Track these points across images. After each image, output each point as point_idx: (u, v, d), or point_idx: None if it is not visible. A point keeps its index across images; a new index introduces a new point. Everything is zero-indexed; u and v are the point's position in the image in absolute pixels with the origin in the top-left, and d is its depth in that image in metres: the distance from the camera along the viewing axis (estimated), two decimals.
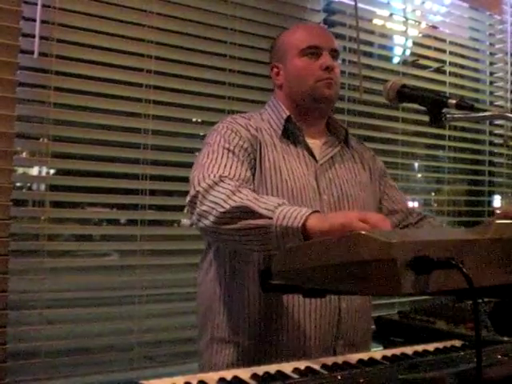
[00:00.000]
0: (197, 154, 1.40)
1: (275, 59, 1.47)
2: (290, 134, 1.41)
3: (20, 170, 1.79)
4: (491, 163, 3.00)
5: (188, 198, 1.24)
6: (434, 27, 2.84)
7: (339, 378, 0.86)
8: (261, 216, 1.09)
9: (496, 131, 3.05)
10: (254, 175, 1.32)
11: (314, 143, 1.43)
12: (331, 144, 1.47)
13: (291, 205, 1.12)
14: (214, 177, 1.21)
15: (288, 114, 1.41)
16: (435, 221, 1.56)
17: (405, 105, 2.39)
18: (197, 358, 1.48)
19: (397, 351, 1.10)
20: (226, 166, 1.26)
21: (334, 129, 1.50)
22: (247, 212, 1.11)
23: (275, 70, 1.47)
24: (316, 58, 1.39)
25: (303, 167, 1.38)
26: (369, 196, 1.47)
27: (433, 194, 3.08)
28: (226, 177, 1.21)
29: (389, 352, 1.09)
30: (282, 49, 1.45)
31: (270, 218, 1.08)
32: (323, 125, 1.49)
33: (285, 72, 1.44)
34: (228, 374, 0.87)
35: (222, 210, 1.14)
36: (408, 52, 2.77)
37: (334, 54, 1.42)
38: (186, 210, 2.13)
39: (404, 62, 2.71)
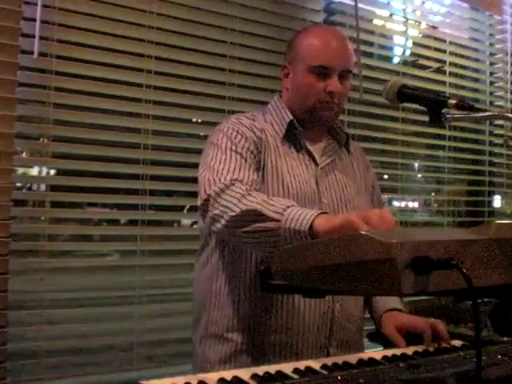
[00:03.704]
0: (196, 154, 1.40)
1: (288, 59, 1.45)
2: (292, 137, 1.41)
3: (20, 170, 1.79)
4: (491, 163, 2.99)
5: (199, 202, 1.26)
6: (434, 27, 2.84)
7: (339, 378, 0.86)
8: (270, 219, 1.12)
9: (496, 131, 3.04)
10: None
11: (314, 147, 1.44)
12: (331, 148, 1.47)
13: (299, 207, 1.14)
14: (225, 180, 1.23)
15: (291, 118, 1.41)
16: None
17: (405, 105, 2.39)
18: None
19: (397, 351, 1.10)
20: (235, 169, 1.27)
21: (336, 133, 1.50)
22: (257, 215, 1.13)
23: (286, 70, 1.45)
24: (324, 77, 1.36)
25: (304, 171, 1.39)
26: (364, 203, 1.48)
27: (433, 194, 3.08)
28: (236, 180, 1.23)
29: (389, 352, 1.09)
30: (295, 52, 1.42)
31: (279, 221, 1.10)
32: (324, 129, 1.49)
33: (292, 79, 1.43)
34: (228, 374, 0.87)
35: (232, 213, 1.16)
36: (408, 52, 2.77)
37: (346, 74, 1.39)
38: (185, 211, 2.13)
39: (404, 62, 2.71)
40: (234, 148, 1.31)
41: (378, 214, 1.00)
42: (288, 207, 1.11)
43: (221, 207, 1.19)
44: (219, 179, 1.23)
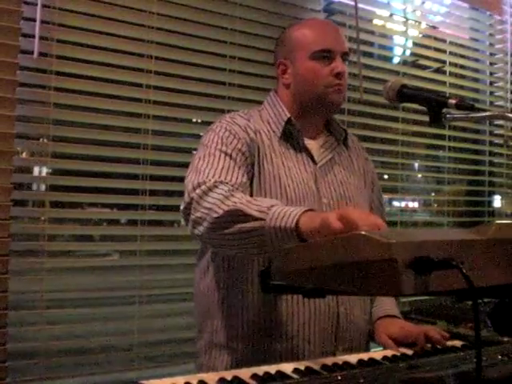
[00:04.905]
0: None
1: (282, 55, 1.41)
2: (289, 135, 1.38)
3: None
4: (491, 163, 2.99)
5: (182, 205, 1.22)
6: (434, 27, 2.84)
7: (339, 378, 0.86)
8: (254, 218, 1.08)
9: (496, 131, 3.04)
10: (251, 179, 1.30)
11: (313, 144, 1.42)
12: (330, 145, 1.45)
13: (284, 205, 1.11)
14: (209, 183, 1.18)
15: (288, 115, 1.38)
16: None
17: (405, 105, 2.40)
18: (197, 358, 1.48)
19: (397, 351, 1.10)
20: (222, 170, 1.23)
21: (333, 129, 1.48)
22: (240, 215, 1.10)
23: (282, 67, 1.41)
24: (327, 61, 1.35)
25: (302, 171, 1.36)
26: (364, 200, 1.47)
27: (433, 194, 3.07)
28: (220, 182, 1.19)
29: (389, 352, 1.09)
30: (290, 45, 1.39)
31: (263, 220, 1.07)
32: (322, 124, 1.47)
33: (293, 72, 1.39)
34: (228, 375, 0.87)
35: (215, 215, 1.12)
36: (408, 52, 2.77)
37: (345, 57, 1.38)
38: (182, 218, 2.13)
39: (404, 63, 2.71)
40: (223, 149, 1.27)
41: (358, 213, 0.96)
42: (272, 206, 1.08)
43: (203, 209, 1.15)
44: (204, 181, 1.19)
